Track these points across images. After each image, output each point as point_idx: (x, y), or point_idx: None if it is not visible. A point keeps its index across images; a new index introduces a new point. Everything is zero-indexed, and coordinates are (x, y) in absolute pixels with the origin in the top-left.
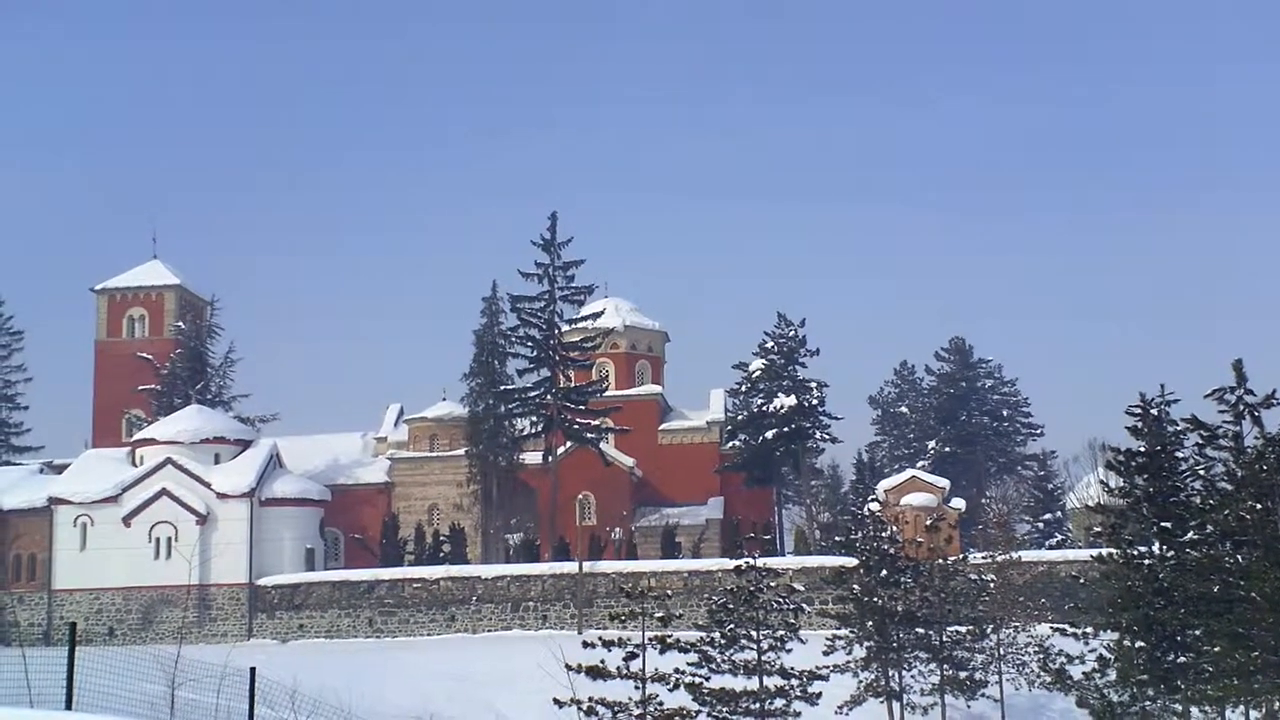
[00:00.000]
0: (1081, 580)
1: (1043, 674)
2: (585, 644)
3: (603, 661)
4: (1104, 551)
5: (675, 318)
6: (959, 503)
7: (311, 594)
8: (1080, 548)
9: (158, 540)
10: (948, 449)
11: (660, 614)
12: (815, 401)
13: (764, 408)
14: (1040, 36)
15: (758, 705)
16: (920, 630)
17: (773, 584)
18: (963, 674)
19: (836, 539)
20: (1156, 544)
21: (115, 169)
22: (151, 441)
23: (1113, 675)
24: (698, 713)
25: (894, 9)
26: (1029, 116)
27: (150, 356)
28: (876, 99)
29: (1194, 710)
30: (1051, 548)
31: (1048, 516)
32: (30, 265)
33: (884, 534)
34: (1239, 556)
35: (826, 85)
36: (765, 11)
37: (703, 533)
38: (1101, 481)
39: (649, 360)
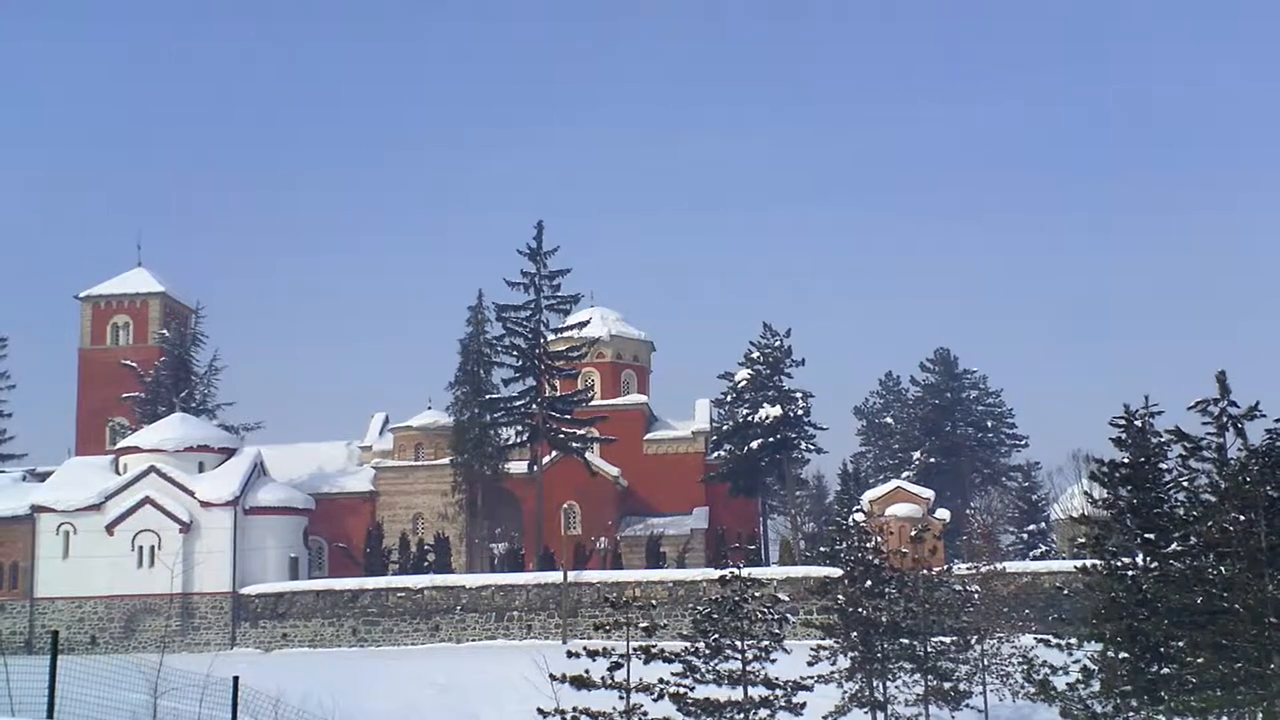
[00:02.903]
0: (1065, 591)
1: (1027, 685)
2: (570, 654)
3: (587, 671)
4: (1088, 563)
5: (661, 327)
6: (943, 513)
7: (295, 603)
8: (1064, 559)
9: (141, 549)
10: (932, 460)
11: (645, 624)
12: (800, 412)
13: (749, 418)
14: (1028, 46)
15: (742, 716)
16: (905, 641)
17: (757, 594)
18: (947, 685)
19: (821, 549)
20: (1140, 555)
21: (100, 176)
22: (135, 449)
23: (1096, 686)
24: None
25: (880, 15)
26: (1019, 127)
27: (134, 364)
28: (864, 108)
29: None
30: (1035, 559)
31: (1032, 527)
32: (14, 272)
33: (869, 544)
34: (1222, 568)
35: (813, 94)
36: (753, 19)
37: (688, 543)
38: (1085, 493)
39: (635, 370)
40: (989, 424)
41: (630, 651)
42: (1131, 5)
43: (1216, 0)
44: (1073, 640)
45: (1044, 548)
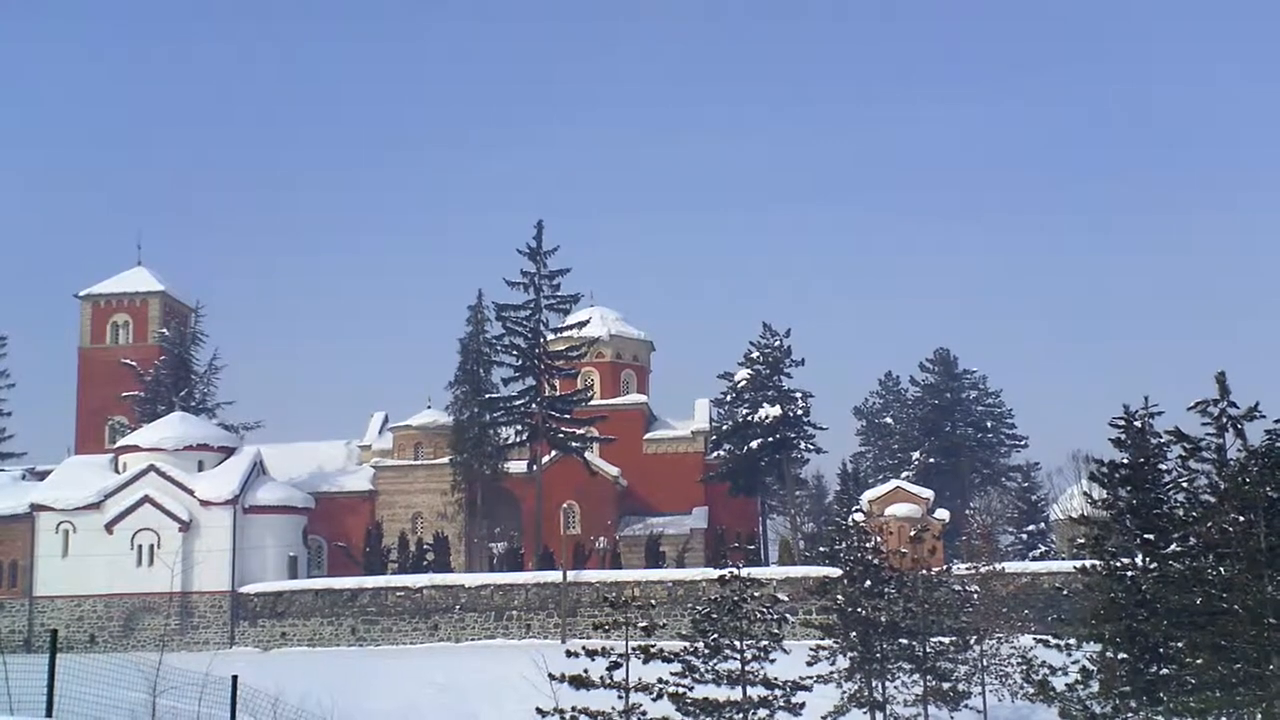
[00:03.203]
0: (1065, 592)
1: (1026, 685)
2: (569, 653)
3: (586, 671)
4: (1087, 563)
5: (661, 327)
6: (943, 514)
7: (294, 602)
8: (1063, 559)
9: (140, 547)
10: (932, 460)
11: (644, 624)
12: (800, 412)
13: (749, 418)
14: (1028, 46)
15: (741, 716)
16: (904, 641)
17: (757, 594)
18: (946, 685)
19: (821, 549)
20: (1139, 556)
21: (100, 176)
22: (135, 448)
23: (1095, 687)
24: None
25: (880, 15)
26: (1019, 127)
27: (134, 363)
28: (864, 108)
29: None
30: (1035, 559)
31: (1031, 528)
32: (14, 271)
33: (868, 545)
34: (1221, 569)
35: (813, 94)
36: (753, 19)
37: (687, 542)
38: (1085, 493)
39: (634, 369)
40: (988, 424)
41: (629, 651)
42: (1131, 5)
43: (1217, 0)
44: (1072, 641)
45: (1043, 548)
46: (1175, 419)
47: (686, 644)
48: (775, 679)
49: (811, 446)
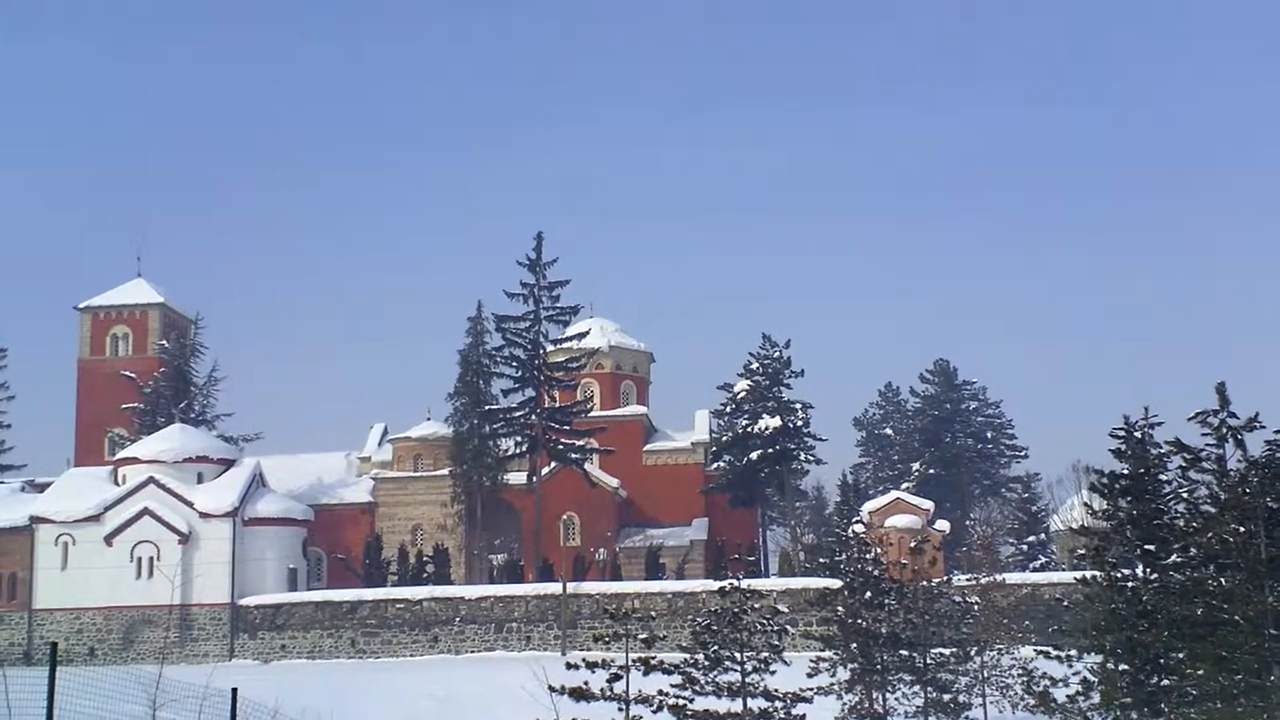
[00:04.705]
0: (1065, 603)
1: (1026, 697)
2: (569, 665)
3: (586, 683)
4: (1087, 574)
5: (660, 338)
6: (943, 525)
7: (294, 614)
8: (1064, 570)
9: (139, 560)
10: (932, 471)
11: (644, 635)
12: (800, 423)
13: (749, 429)
14: (1028, 48)
15: None
16: (904, 652)
17: (757, 606)
18: (947, 696)
19: (821, 561)
20: (1140, 567)
21: (99, 186)
22: (134, 460)
23: (1096, 698)
24: None
25: (877, 17)
26: (1016, 135)
27: (133, 375)
28: (865, 112)
29: None
30: (1035, 570)
31: (1032, 539)
32: (13, 283)
33: (868, 556)
34: (1222, 579)
35: (812, 102)
36: (750, 23)
37: (687, 554)
38: (1085, 504)
39: (634, 381)
40: (988, 435)
41: (629, 663)
42: (1131, 7)
43: (1216, 2)
44: (1072, 652)
45: (1044, 559)
46: (1175, 429)
47: (687, 656)
48: (776, 691)
49: (811, 458)
